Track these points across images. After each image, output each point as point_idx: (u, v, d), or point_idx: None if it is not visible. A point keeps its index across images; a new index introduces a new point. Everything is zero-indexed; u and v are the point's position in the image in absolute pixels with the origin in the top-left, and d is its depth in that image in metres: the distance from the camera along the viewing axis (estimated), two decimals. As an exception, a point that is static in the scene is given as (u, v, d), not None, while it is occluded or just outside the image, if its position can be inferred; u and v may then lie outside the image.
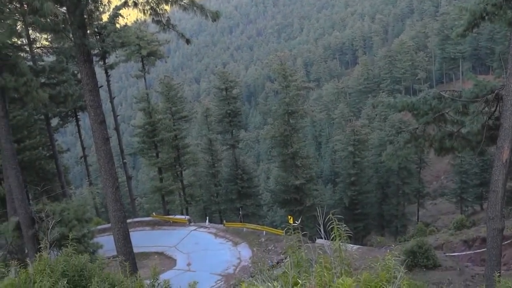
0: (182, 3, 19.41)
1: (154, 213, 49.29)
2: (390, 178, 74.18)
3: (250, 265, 32.59)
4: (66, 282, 8.07)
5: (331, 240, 6.36)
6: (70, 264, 8.85)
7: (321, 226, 6.73)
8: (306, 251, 6.92)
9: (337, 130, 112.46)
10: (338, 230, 6.27)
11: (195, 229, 42.53)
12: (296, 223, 7.44)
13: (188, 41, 22.68)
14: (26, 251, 25.14)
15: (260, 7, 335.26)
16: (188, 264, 34.72)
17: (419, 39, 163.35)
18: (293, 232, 7.29)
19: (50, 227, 13.40)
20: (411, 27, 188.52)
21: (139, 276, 10.67)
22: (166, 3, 20.05)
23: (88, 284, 8.46)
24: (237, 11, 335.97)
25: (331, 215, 6.30)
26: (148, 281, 10.35)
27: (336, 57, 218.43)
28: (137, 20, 52.61)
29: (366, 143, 74.33)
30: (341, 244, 6.25)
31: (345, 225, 6.35)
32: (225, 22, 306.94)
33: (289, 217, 36.88)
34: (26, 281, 8.46)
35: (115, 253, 21.23)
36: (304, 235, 7.56)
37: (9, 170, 23.56)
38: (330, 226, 6.38)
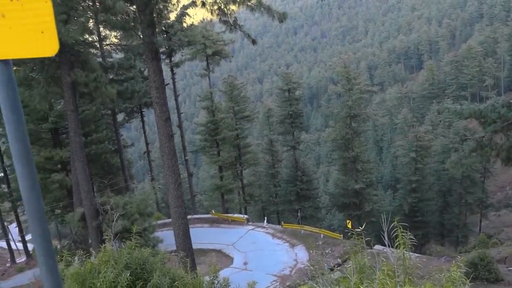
0: (250, 3, 19.55)
1: (213, 211, 49.69)
2: (452, 187, 72.25)
3: (306, 267, 32.45)
4: (129, 275, 8.23)
5: (395, 247, 6.29)
6: (133, 257, 9.04)
7: (385, 232, 6.67)
8: (369, 257, 6.88)
9: (399, 135, 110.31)
10: (402, 238, 6.19)
11: (252, 229, 42.60)
12: (360, 228, 7.39)
13: (254, 42, 22.84)
14: (90, 241, 25.89)
15: (325, 9, 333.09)
16: (245, 263, 34.84)
17: (488, 45, 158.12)
18: (356, 237, 7.25)
19: (115, 220, 13.70)
20: (480, 32, 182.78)
21: (199, 273, 10.80)
22: (234, 4, 20.25)
23: (150, 278, 8.59)
24: (302, 13, 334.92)
25: (395, 222, 6.23)
26: (207, 278, 10.46)
27: (400, 61, 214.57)
28: (203, 19, 53.25)
29: (429, 150, 72.62)
30: (404, 252, 6.18)
31: (409, 233, 6.26)
32: (289, 23, 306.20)
33: (348, 221, 36.52)
34: (91, 271, 8.70)
35: (174, 248, 21.58)
36: (367, 241, 7.50)
37: (77, 163, 24.32)
38: (394, 233, 6.30)
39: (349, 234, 7.45)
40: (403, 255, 6.17)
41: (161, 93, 20.65)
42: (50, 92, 25.21)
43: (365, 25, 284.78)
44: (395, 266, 6.11)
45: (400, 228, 6.24)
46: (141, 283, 8.41)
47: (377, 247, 21.85)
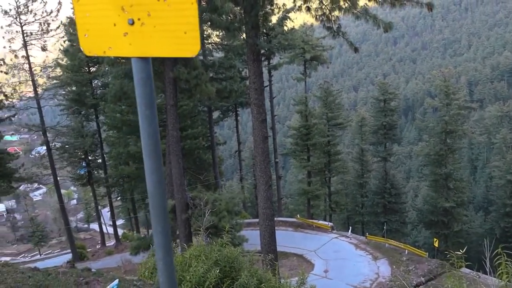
0: (356, 11, 19.35)
1: (298, 215, 49.66)
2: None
3: (388, 282, 31.77)
4: (218, 271, 8.31)
5: (498, 276, 6.00)
6: (223, 254, 9.13)
7: (487, 259, 6.38)
8: (466, 282, 6.62)
9: (497, 155, 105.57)
10: (506, 267, 5.91)
11: (336, 237, 42.23)
12: (447, 248, 7.10)
13: (356, 50, 22.60)
14: (177, 233, 26.49)
15: (428, 20, 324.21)
16: (325, 271, 34.58)
17: None
18: (446, 258, 6.99)
19: (207, 215, 13.93)
20: None
21: (286, 278, 10.77)
22: (340, 10, 20.10)
23: (237, 277, 8.64)
24: (404, 23, 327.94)
25: (499, 249, 5.95)
26: (294, 283, 10.42)
27: (504, 79, 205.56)
28: (304, 24, 53.11)
29: (529, 174, 69.18)
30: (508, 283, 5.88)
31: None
32: (390, 33, 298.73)
33: (435, 240, 35.47)
34: (182, 264, 8.87)
35: (258, 248, 21.70)
36: (453, 263, 7.21)
37: (172, 156, 24.97)
38: (497, 261, 6.02)
39: (435, 252, 7.20)
40: (506, 286, 5.88)
41: (259, 94, 20.81)
42: (152, 85, 25.91)
43: (469, 39, 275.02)
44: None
45: (504, 256, 5.95)
46: (229, 281, 8.47)
47: (464, 270, 21.01)
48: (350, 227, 48.13)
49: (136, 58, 2.47)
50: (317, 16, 20.69)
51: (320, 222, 47.32)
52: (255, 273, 9.25)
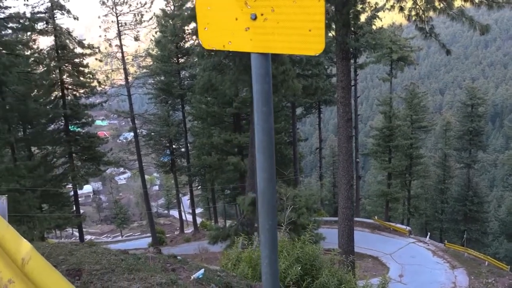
0: (451, 12, 18.80)
1: (376, 217, 48.97)
2: None
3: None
4: (299, 268, 8.28)
5: None
6: (304, 252, 9.08)
7: None
8: None
9: None
10: None
11: (413, 242, 41.39)
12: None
13: (448, 52, 22.08)
14: (256, 225, 26.67)
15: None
16: (400, 276, 33.93)
17: None
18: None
19: (288, 210, 13.91)
20: None
21: (363, 279, 10.63)
22: (434, 11, 19.60)
23: (318, 275, 8.58)
24: (497, 26, 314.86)
25: None
26: (372, 285, 10.24)
27: None
28: (393, 23, 52.17)
29: None
30: None
31: None
32: (481, 36, 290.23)
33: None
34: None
35: (333, 246, 21.52)
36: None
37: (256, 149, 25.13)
38: None
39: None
40: None
41: (346, 93, 20.63)
42: (240, 79, 26.27)
43: None
44: None
45: None
46: (309, 279, 8.42)
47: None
48: (428, 233, 47.00)
49: (256, 54, 2.46)
50: (410, 16, 20.27)
51: (398, 225, 46.47)
52: (336, 273, 9.16)
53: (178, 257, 7.85)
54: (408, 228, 46.21)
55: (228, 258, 9.26)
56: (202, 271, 6.56)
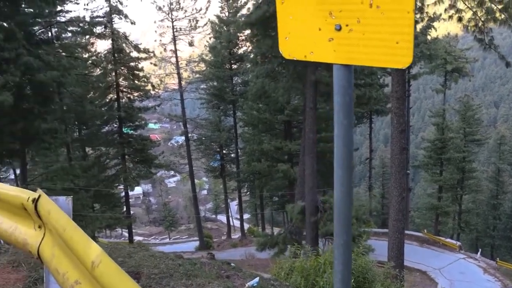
0: (512, 23, 18.40)
1: (425, 230, 48.08)
2: None
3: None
4: (352, 281, 8.16)
5: None
6: (357, 264, 8.98)
7: None
8: None
9: None
10: None
11: (463, 258, 40.36)
12: None
13: (508, 64, 21.64)
14: (304, 233, 26.55)
15: None
16: (449, 292, 33.21)
17: None
18: None
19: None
20: None
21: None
22: (495, 22, 19.20)
23: (370, 288, 8.48)
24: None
25: None
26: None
27: None
28: (448, 34, 51.29)
29: None
30: None
31: None
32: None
33: None
34: (315, 268, 8.82)
35: (382, 259, 21.19)
36: None
37: (307, 158, 25.03)
38: None
39: None
40: None
41: (401, 104, 20.30)
42: (293, 87, 26.27)
43: None
44: None
45: None
46: (362, 292, 8.32)
47: None
48: (480, 249, 45.85)
49: (339, 65, 2.42)
50: (469, 27, 19.87)
51: (448, 240, 45.48)
52: (388, 287, 9.03)
53: (232, 264, 7.88)
54: (458, 243, 45.17)
55: (281, 267, 9.22)
56: (257, 279, 6.55)
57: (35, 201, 4.35)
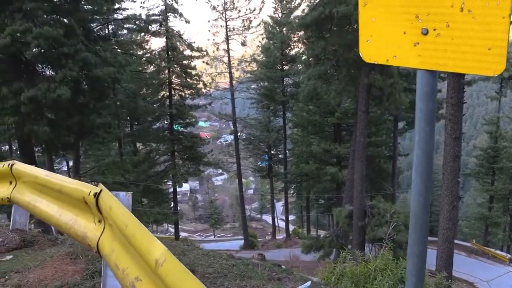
0: None
1: (474, 240, 46.97)
2: None
3: None
4: (402, 289, 8.02)
5: None
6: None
7: None
8: None
9: None
10: None
11: (513, 271, 39.40)
12: None
13: None
14: (351, 238, 26.30)
15: None
16: (498, 305, 32.43)
17: None
18: None
19: (391, 227, 13.55)
20: None
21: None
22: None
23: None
24: None
25: None
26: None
27: None
28: (508, 39, 49.97)
29: None
30: None
31: None
32: None
33: None
34: (365, 275, 8.68)
35: (430, 268, 20.79)
36: None
37: (357, 162, 24.79)
38: None
39: None
40: None
41: (456, 110, 19.87)
42: (345, 89, 26.06)
43: None
44: None
45: None
46: (412, 301, 8.08)
47: None
48: (530, 263, 44.53)
49: (423, 71, 2.34)
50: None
51: (497, 251, 44.32)
52: (437, 297, 8.82)
53: (282, 266, 7.82)
54: (509, 255, 43.95)
55: (332, 272, 9.11)
56: (308, 283, 6.48)
57: (97, 196, 4.40)
